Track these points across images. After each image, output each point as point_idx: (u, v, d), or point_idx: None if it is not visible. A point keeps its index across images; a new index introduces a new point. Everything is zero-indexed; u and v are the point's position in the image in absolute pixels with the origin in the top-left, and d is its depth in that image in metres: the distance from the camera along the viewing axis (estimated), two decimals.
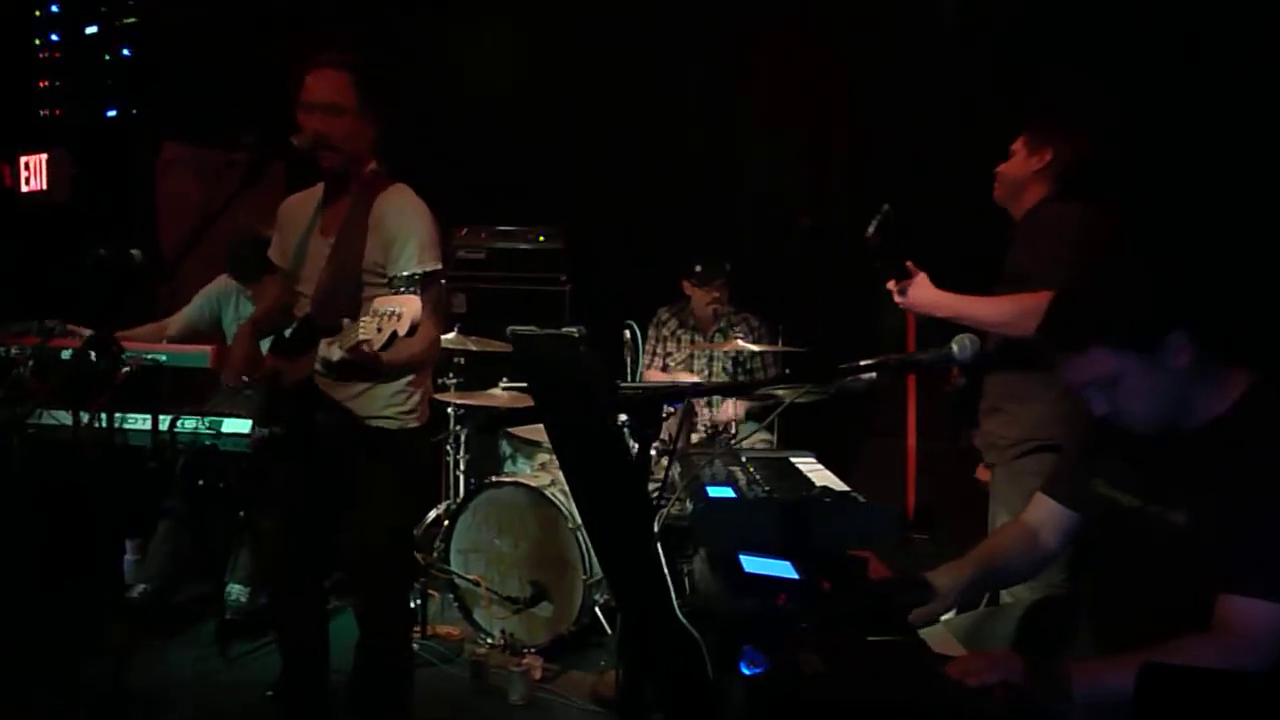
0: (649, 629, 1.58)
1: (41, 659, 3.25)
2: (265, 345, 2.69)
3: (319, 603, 2.70)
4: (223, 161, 4.86)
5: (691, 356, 4.27)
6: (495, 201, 4.85)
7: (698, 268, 4.17)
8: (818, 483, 2.04)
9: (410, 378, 2.49)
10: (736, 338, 3.62)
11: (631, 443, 1.46)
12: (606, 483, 1.62)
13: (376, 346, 2.05)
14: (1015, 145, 2.64)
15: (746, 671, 1.27)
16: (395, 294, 2.10)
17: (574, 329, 2.10)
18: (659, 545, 1.50)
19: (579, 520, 3.52)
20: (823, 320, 4.23)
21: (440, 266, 2.40)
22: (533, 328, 1.64)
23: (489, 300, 4.66)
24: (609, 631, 3.57)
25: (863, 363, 1.74)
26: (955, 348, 1.72)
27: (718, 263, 4.17)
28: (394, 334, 2.02)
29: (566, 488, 3.67)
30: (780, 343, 3.74)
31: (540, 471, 3.84)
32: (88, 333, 3.74)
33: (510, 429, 4.24)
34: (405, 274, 2.19)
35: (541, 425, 4.12)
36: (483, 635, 3.63)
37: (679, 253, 4.39)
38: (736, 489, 1.92)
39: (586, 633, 3.60)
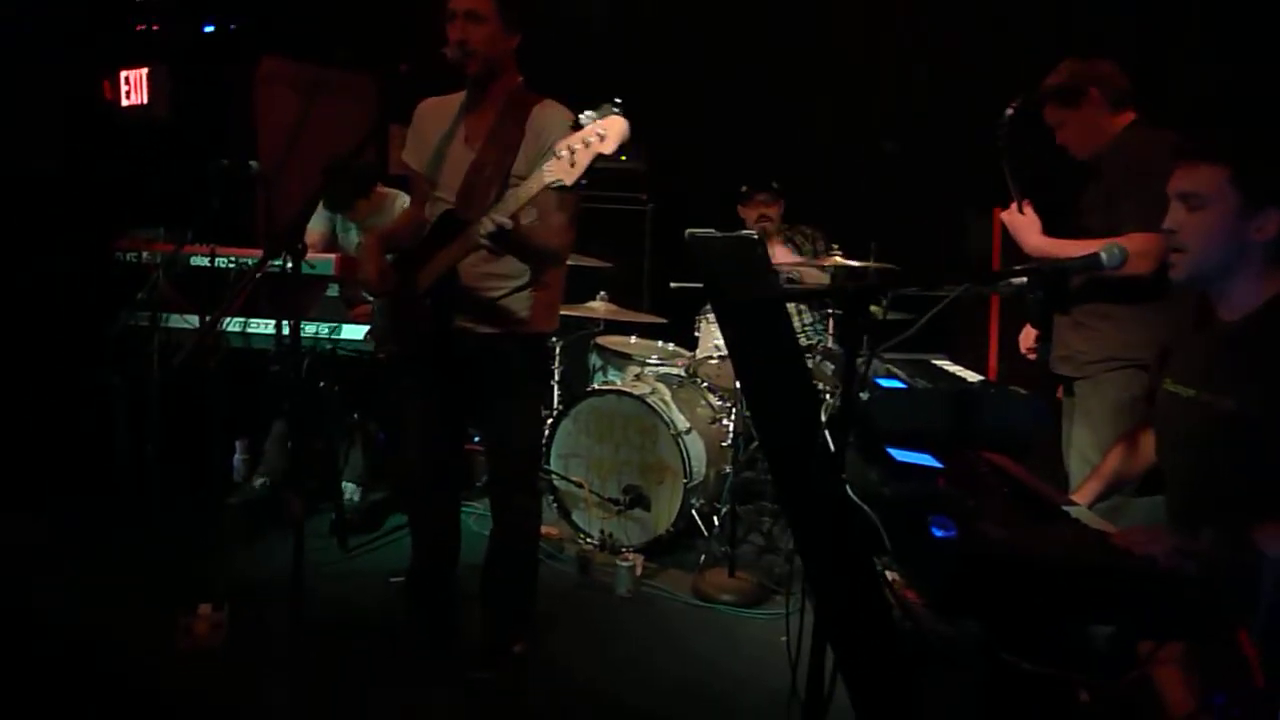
0: (818, 515, 1.71)
1: (166, 550, 3.44)
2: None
3: (454, 503, 2.82)
4: (318, 76, 4.97)
5: None
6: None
7: (744, 188, 4.40)
8: (970, 378, 2.17)
9: (545, 282, 2.57)
10: (836, 254, 3.71)
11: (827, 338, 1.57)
12: (778, 372, 1.75)
13: (575, 177, 2.06)
14: (1056, 115, 2.63)
15: (939, 534, 1.40)
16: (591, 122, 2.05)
17: (751, 231, 2.17)
18: (828, 432, 1.63)
19: (680, 427, 3.68)
20: (909, 241, 4.27)
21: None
22: (711, 230, 1.75)
23: None
24: (705, 533, 3.75)
25: (1018, 268, 1.84)
26: (1104, 255, 1.82)
27: (763, 180, 4.39)
28: (597, 156, 2.03)
29: (665, 396, 3.83)
30: (872, 258, 3.82)
31: (637, 382, 3.99)
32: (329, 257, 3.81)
33: (600, 341, 4.39)
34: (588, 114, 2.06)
35: (630, 339, 4.32)
36: (582, 535, 3.83)
37: (760, 173, 4.46)
38: (902, 380, 2.05)
39: (680, 535, 3.79)
